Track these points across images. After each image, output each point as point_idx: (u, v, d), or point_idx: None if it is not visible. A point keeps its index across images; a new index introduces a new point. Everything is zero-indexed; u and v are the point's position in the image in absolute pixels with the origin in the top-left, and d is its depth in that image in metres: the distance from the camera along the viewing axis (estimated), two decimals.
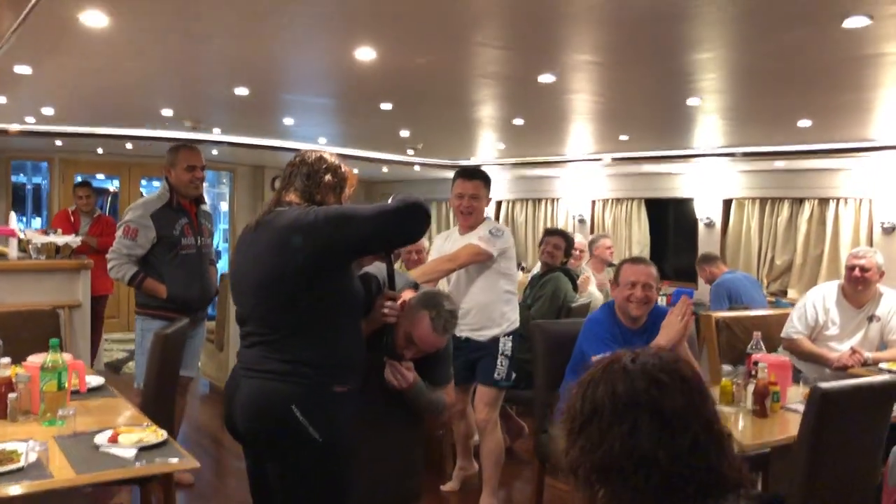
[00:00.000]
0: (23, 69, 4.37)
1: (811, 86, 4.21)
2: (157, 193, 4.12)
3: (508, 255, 3.76)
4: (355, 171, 2.55)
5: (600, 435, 1.14)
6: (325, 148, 7.87)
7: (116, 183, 10.21)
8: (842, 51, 3.38)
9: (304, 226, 2.21)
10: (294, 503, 2.30)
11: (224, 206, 11.29)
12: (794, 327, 4.41)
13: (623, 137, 6.37)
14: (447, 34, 3.49)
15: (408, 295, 2.63)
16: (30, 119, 6.64)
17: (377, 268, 2.64)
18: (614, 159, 7.61)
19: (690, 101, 4.66)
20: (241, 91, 4.93)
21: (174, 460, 2.35)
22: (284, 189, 2.40)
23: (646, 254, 8.75)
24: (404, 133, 6.78)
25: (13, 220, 4.78)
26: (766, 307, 5.89)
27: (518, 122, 5.73)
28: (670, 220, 8.97)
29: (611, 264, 6.03)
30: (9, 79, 4.59)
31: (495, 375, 3.75)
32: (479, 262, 3.68)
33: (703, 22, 3.09)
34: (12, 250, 4.72)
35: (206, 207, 4.33)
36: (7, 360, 2.80)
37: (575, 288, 5.04)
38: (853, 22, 2.89)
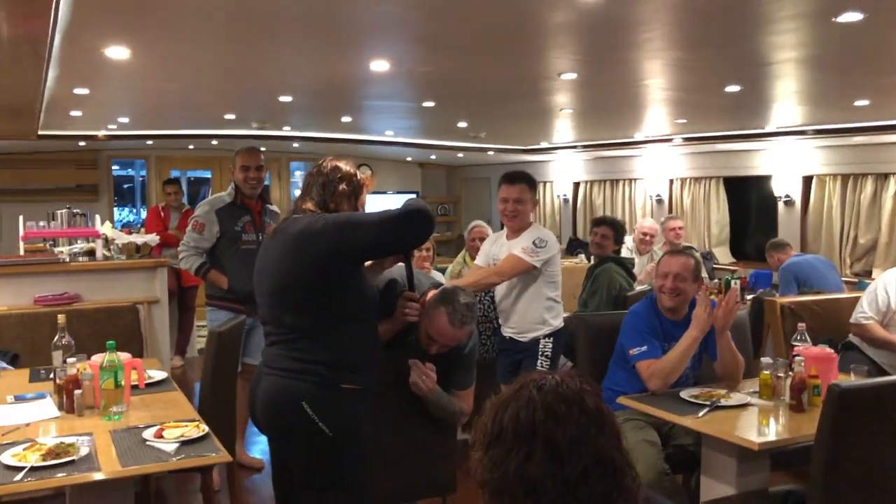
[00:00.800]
0: (81, 91, 4.76)
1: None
2: (227, 192, 4.46)
3: (552, 262, 3.84)
4: (368, 172, 2.66)
5: (500, 457, 1.20)
6: (393, 139, 8.04)
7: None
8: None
9: (312, 233, 2.35)
10: (311, 495, 2.45)
11: None
12: (863, 312, 4.25)
13: (681, 121, 6.20)
14: (456, 44, 3.60)
15: (430, 295, 2.73)
16: (112, 126, 7.08)
17: (398, 269, 2.75)
18: (686, 139, 7.40)
19: (730, 88, 4.55)
20: (286, 98, 5.18)
21: (211, 454, 2.53)
22: (302, 198, 2.55)
23: (725, 234, 8.49)
24: (462, 124, 6.87)
25: (97, 222, 5.15)
26: (842, 290, 5.63)
27: (567, 111, 5.69)
28: (751, 199, 8.60)
29: (688, 247, 5.88)
30: (74, 97, 4.98)
31: None
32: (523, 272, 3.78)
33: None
34: (99, 249, 5.09)
35: (273, 207, 4.61)
36: (73, 359, 3.06)
37: (631, 276, 4.98)
38: (849, 16, 2.89)
